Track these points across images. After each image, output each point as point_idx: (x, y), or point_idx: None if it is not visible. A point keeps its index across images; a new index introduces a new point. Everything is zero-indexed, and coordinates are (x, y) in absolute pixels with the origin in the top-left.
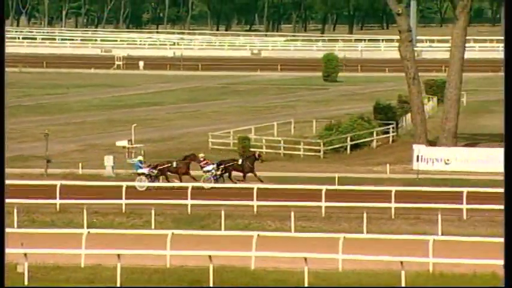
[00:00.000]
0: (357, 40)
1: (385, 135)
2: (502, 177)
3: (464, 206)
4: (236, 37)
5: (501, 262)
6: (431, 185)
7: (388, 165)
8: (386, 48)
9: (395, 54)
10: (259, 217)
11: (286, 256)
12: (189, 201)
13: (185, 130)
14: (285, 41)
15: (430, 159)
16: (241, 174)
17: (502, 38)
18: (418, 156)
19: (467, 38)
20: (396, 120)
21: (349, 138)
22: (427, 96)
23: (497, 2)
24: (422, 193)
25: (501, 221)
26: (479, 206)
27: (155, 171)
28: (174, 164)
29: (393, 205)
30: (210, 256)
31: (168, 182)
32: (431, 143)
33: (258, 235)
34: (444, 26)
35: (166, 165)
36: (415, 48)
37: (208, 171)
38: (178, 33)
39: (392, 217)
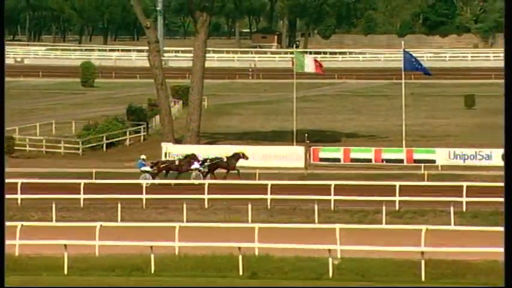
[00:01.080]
0: (111, 50)
1: (137, 135)
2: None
3: (206, 196)
4: None
5: (237, 244)
6: (178, 177)
7: None
8: (137, 58)
9: (145, 63)
10: (23, 209)
11: (47, 243)
12: None
13: None
14: (45, 50)
15: (177, 155)
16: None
17: (237, 49)
18: (166, 153)
19: (207, 49)
20: (147, 121)
21: (105, 137)
22: (174, 100)
23: (232, 18)
24: (169, 185)
25: (237, 209)
26: (219, 196)
27: (155, 169)
28: (176, 162)
29: (144, 196)
30: None
31: (154, 179)
32: (178, 141)
33: (22, 225)
34: (187, 39)
35: (167, 164)
36: (163, 58)
37: (196, 168)
38: None
39: (144, 207)
